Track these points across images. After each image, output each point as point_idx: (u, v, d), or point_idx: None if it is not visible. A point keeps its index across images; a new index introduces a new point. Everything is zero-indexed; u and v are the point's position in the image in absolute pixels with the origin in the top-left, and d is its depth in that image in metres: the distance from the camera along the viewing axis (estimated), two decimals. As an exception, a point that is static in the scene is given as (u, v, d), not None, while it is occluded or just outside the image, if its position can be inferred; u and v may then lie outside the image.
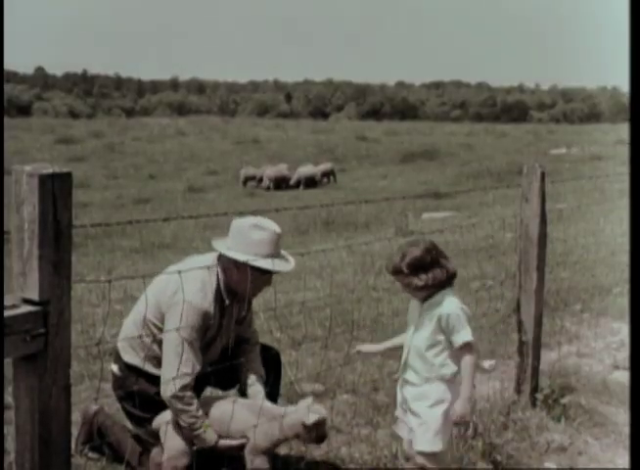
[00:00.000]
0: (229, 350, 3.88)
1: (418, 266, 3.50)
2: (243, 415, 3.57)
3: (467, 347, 3.48)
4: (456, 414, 3.45)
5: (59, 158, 27.14)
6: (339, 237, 12.84)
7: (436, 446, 3.51)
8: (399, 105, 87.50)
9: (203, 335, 3.60)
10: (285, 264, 3.66)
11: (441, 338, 3.50)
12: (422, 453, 3.54)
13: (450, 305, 3.51)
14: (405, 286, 3.59)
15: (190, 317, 3.51)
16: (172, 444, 3.59)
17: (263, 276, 3.64)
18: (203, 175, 24.96)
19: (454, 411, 3.46)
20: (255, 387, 3.79)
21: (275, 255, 3.62)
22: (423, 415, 3.49)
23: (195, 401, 3.52)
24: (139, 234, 13.91)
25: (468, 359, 3.48)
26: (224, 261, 3.67)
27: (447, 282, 3.57)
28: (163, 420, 3.65)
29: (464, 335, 3.47)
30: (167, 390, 3.49)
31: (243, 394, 3.83)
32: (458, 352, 3.50)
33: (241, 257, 3.56)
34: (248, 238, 3.58)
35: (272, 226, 3.64)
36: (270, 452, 3.59)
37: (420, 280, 3.50)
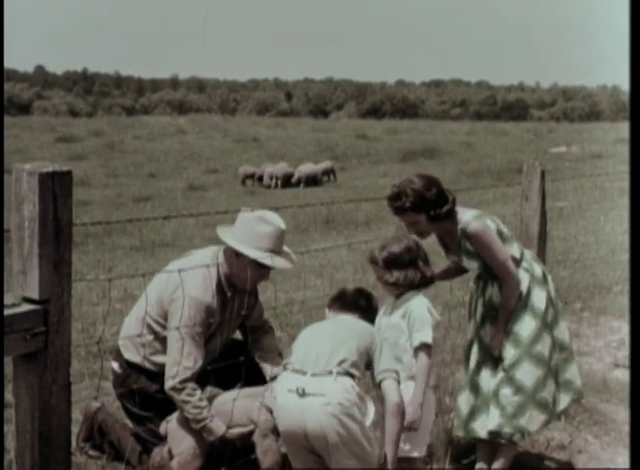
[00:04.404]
0: (235, 347, 3.90)
1: (393, 262, 3.50)
2: (244, 402, 3.56)
3: (424, 348, 3.40)
4: (406, 420, 3.28)
5: (59, 156, 27.08)
6: (339, 235, 12.84)
7: (409, 450, 3.43)
8: (399, 103, 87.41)
9: (206, 329, 3.61)
10: (283, 261, 3.65)
11: (403, 339, 3.45)
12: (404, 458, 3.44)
13: (418, 302, 3.48)
14: (378, 279, 3.60)
15: (192, 312, 3.53)
16: (182, 447, 3.56)
17: (261, 270, 3.65)
18: (203, 174, 24.92)
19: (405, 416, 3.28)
20: (274, 364, 3.81)
21: (276, 250, 3.62)
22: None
23: (197, 393, 3.53)
24: (139, 232, 13.90)
25: (422, 362, 3.39)
26: (227, 252, 3.69)
27: (421, 285, 3.55)
28: (171, 424, 3.63)
29: (423, 335, 3.41)
30: (169, 383, 3.51)
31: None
32: (414, 353, 3.41)
33: (241, 248, 3.58)
34: (251, 230, 3.59)
35: (277, 222, 3.65)
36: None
37: (391, 276, 3.50)
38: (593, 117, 68.31)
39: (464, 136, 32.67)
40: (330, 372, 3.02)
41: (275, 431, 3.51)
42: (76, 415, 3.97)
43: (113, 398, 4.10)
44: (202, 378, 3.66)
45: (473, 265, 3.77)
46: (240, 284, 3.70)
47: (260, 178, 23.52)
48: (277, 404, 3.10)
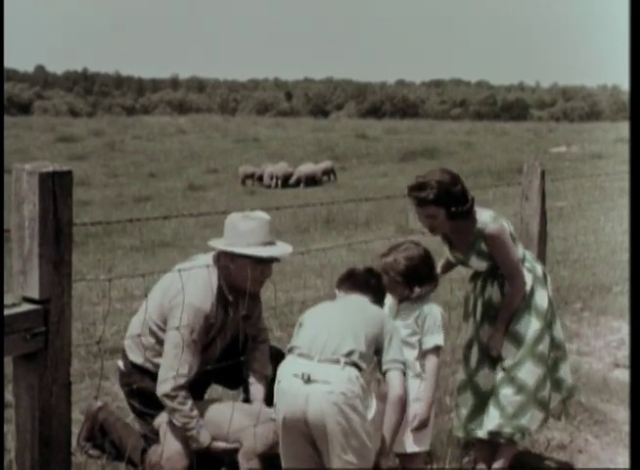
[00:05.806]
0: (238, 345, 3.88)
1: (413, 278, 3.50)
2: (238, 419, 3.54)
3: (435, 350, 3.47)
4: (418, 418, 3.39)
5: (59, 156, 27.07)
6: (339, 235, 12.84)
7: (412, 446, 3.45)
8: (399, 103, 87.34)
9: (204, 335, 3.59)
10: (277, 249, 3.62)
11: (414, 338, 3.49)
12: (400, 455, 3.49)
13: (432, 306, 3.51)
14: (392, 291, 3.57)
15: (190, 319, 3.51)
16: (171, 445, 3.58)
17: (261, 266, 3.61)
18: (203, 174, 24.91)
19: (415, 415, 3.40)
20: (255, 386, 3.78)
21: (268, 243, 3.60)
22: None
23: (189, 402, 3.51)
24: (139, 232, 13.90)
25: (433, 363, 3.46)
26: (222, 259, 3.67)
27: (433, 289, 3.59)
28: (163, 420, 3.64)
29: (437, 338, 3.46)
30: (162, 389, 3.50)
31: (248, 391, 3.82)
32: (425, 354, 3.47)
33: (232, 248, 3.56)
34: (237, 230, 3.58)
35: (261, 215, 3.63)
36: (266, 455, 3.52)
37: (412, 293, 3.50)
38: (593, 117, 68.31)
39: (464, 136, 32.66)
40: (337, 361, 2.99)
41: (263, 455, 3.49)
42: (76, 415, 3.97)
43: (113, 397, 4.10)
44: (202, 378, 3.66)
45: (481, 265, 3.75)
46: (243, 286, 3.67)
47: (260, 178, 23.52)
48: (280, 388, 3.05)
